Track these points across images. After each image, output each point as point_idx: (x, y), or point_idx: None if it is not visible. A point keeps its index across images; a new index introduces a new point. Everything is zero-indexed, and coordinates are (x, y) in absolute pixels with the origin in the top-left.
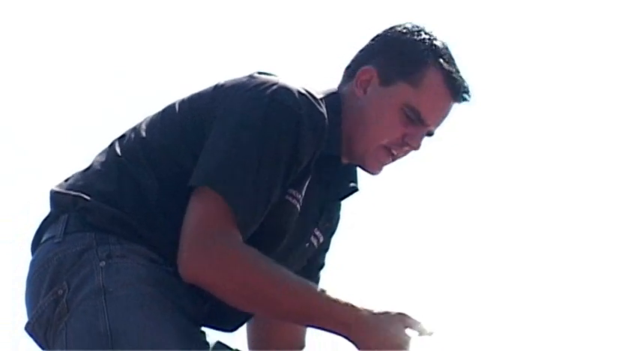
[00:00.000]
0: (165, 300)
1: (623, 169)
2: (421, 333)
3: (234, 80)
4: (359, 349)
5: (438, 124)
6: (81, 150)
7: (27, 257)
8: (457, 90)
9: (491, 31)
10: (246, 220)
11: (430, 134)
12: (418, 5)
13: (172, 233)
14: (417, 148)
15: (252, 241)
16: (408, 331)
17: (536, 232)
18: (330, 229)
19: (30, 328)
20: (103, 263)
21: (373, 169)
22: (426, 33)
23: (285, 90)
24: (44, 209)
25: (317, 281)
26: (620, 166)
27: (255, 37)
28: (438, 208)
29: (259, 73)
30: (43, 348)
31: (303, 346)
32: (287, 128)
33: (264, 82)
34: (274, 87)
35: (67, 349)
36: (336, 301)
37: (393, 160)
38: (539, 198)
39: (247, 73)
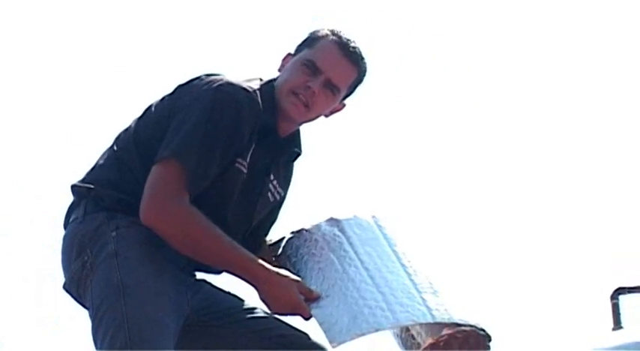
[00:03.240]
0: (160, 257)
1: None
2: (307, 297)
3: (189, 82)
4: (263, 299)
5: (338, 78)
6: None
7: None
8: (349, 53)
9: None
10: (195, 182)
11: (334, 87)
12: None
13: None
14: (316, 90)
15: (210, 199)
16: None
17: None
18: (287, 186)
19: (67, 287)
20: (114, 233)
21: (292, 113)
22: (332, 28)
23: (227, 84)
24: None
25: (266, 233)
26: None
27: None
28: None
29: (207, 75)
30: (77, 300)
31: None
32: (229, 111)
33: (211, 80)
34: (219, 82)
35: (92, 299)
36: (253, 261)
37: (305, 106)
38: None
39: (198, 75)
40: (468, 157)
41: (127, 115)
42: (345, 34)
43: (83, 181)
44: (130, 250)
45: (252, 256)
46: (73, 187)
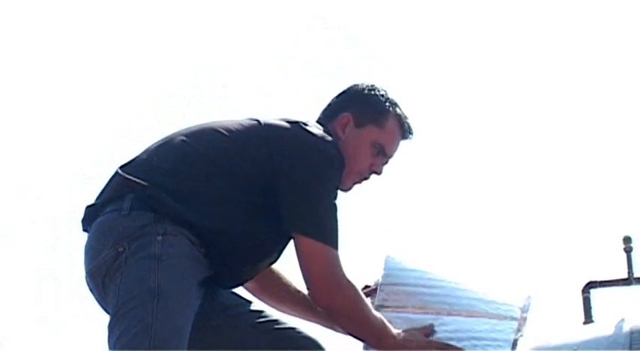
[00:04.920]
0: (196, 272)
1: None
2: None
3: (283, 128)
4: None
5: (394, 153)
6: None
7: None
8: (406, 131)
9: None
10: (338, 251)
11: (386, 163)
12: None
13: (212, 224)
14: (380, 174)
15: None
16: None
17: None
18: None
19: (90, 274)
20: (160, 237)
21: (347, 189)
22: (380, 89)
23: (331, 145)
24: None
25: None
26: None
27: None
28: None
29: (304, 123)
30: (97, 289)
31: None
32: (338, 175)
33: (317, 140)
34: (325, 144)
35: (119, 290)
36: (388, 330)
37: (361, 183)
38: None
39: (288, 120)
40: (443, 161)
41: (126, 116)
42: (400, 104)
43: (134, 174)
44: (173, 258)
45: (387, 328)
46: (122, 177)
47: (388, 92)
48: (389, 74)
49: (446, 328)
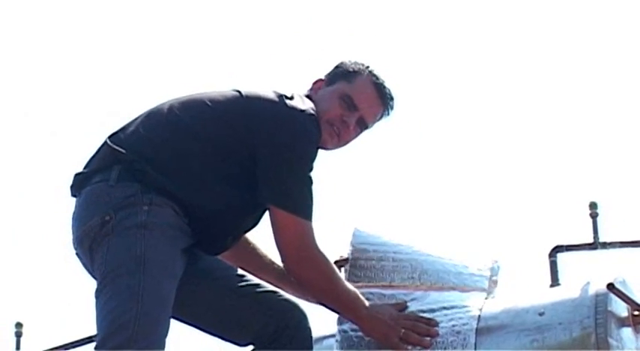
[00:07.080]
0: (180, 241)
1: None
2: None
3: (265, 100)
4: (370, 336)
5: (369, 116)
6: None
7: None
8: (383, 94)
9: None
10: (312, 223)
11: (364, 125)
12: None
13: (196, 199)
14: (351, 126)
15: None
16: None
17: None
18: None
19: (78, 240)
20: (146, 207)
21: (326, 141)
22: (363, 63)
23: (312, 119)
24: None
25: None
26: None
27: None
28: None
29: (286, 97)
30: (83, 256)
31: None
32: (315, 149)
33: (296, 113)
34: (304, 118)
35: (106, 257)
36: (359, 303)
37: (338, 137)
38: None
39: (271, 91)
40: (415, 131)
41: (126, 116)
42: (379, 72)
43: (121, 145)
44: (159, 228)
45: (359, 299)
46: (110, 148)
47: (372, 66)
48: (389, 74)
49: (418, 302)
